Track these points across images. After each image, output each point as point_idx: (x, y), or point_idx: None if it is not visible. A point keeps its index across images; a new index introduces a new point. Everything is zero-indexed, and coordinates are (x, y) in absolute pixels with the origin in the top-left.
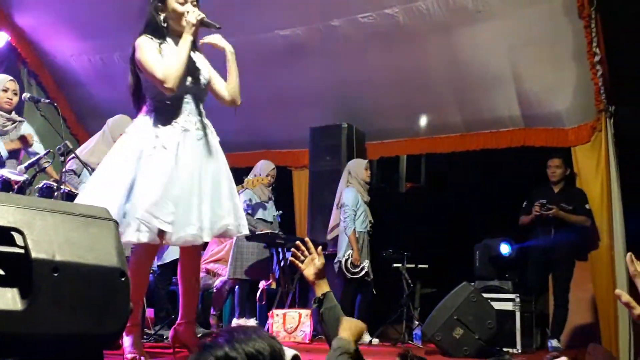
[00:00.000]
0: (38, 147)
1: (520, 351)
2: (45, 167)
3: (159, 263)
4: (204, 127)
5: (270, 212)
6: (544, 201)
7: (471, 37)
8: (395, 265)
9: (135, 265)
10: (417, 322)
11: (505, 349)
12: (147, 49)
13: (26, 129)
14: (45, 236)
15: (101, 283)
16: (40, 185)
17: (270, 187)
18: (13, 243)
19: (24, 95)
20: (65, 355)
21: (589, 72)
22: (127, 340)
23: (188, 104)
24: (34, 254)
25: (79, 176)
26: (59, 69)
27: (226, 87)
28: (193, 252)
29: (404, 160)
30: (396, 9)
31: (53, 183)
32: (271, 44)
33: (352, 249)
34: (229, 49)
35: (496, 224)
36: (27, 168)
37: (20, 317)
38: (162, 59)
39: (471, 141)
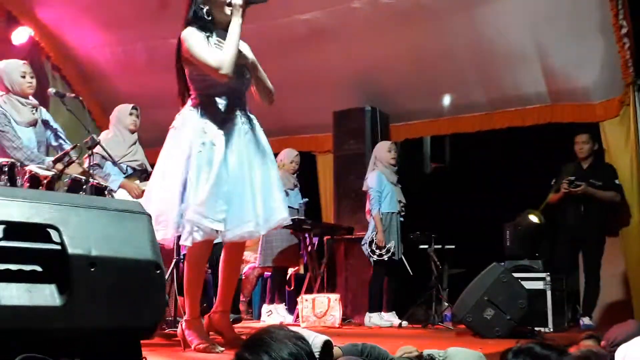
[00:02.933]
0: (62, 135)
1: (552, 330)
2: (73, 161)
3: (185, 252)
4: (249, 120)
5: (295, 200)
6: (573, 178)
7: (494, 14)
8: (422, 247)
9: (193, 261)
10: (446, 304)
11: (537, 329)
12: (196, 39)
13: (44, 113)
14: (81, 232)
15: (137, 276)
16: (67, 179)
17: (295, 175)
18: (49, 240)
19: (49, 90)
20: (103, 349)
21: (615, 45)
22: (191, 334)
23: (232, 98)
24: (70, 250)
25: (102, 168)
26: (82, 62)
27: (259, 92)
28: (238, 244)
29: (428, 141)
30: None
31: (81, 176)
32: (291, 29)
33: (377, 231)
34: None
35: (524, 203)
36: (54, 162)
37: (59, 312)
38: (213, 49)
39: (496, 120)
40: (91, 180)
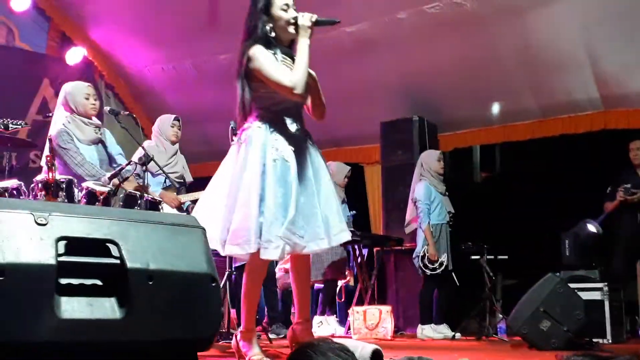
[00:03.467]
0: (120, 158)
1: (610, 341)
2: (128, 177)
3: (236, 265)
4: (307, 135)
5: (344, 213)
6: (628, 185)
7: (543, 19)
8: (473, 257)
9: (254, 274)
10: (500, 315)
11: (594, 340)
12: (266, 58)
13: (107, 135)
14: (139, 246)
15: (193, 289)
16: (122, 195)
17: (343, 189)
18: (109, 254)
19: (104, 108)
20: None
21: None
22: (246, 345)
23: (296, 114)
24: (129, 264)
25: (142, 178)
26: (134, 80)
27: (314, 108)
28: (305, 256)
29: (477, 150)
30: None
31: (135, 192)
32: (338, 41)
33: (428, 244)
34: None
35: (578, 212)
36: (110, 178)
37: (119, 326)
38: (283, 68)
39: (548, 127)
40: (145, 195)
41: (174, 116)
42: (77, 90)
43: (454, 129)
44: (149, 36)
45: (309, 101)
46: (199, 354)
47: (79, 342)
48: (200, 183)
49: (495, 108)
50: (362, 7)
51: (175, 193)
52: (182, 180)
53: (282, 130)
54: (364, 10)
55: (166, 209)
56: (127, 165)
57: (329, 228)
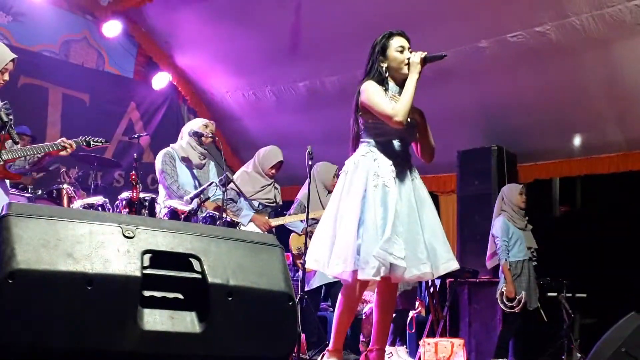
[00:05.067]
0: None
1: None
2: (209, 198)
3: (307, 289)
4: (412, 169)
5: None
6: None
7: (631, 51)
8: (550, 294)
9: (350, 297)
10: (578, 355)
11: None
12: (374, 90)
13: (211, 167)
14: (220, 262)
15: (271, 307)
16: (203, 215)
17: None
18: (191, 269)
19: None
20: None
21: None
22: None
23: (401, 146)
24: (210, 279)
25: (236, 203)
26: (215, 105)
27: (422, 149)
28: (391, 286)
29: (557, 182)
30: (548, 26)
31: (215, 212)
32: None
33: (507, 282)
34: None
35: None
36: (192, 198)
37: (198, 340)
38: (389, 99)
39: (633, 160)
40: (224, 216)
41: (279, 160)
42: (198, 121)
43: (534, 160)
44: (231, 63)
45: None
46: None
47: (159, 354)
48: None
49: (578, 139)
50: (442, 36)
51: (266, 216)
52: (274, 205)
53: (386, 159)
54: (445, 39)
55: (258, 232)
56: (208, 186)
57: (435, 256)
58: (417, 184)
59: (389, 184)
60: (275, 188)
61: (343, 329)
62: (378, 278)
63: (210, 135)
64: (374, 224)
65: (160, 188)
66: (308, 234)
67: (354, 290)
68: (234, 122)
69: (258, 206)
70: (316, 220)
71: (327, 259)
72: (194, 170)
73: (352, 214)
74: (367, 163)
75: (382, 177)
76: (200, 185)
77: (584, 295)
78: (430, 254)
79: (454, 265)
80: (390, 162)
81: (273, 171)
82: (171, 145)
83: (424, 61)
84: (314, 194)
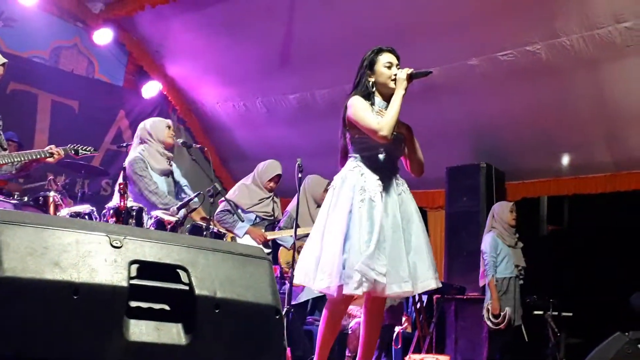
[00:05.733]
0: (186, 190)
1: None
2: (195, 208)
3: (293, 302)
4: (400, 184)
5: None
6: None
7: (619, 72)
8: (536, 312)
9: (335, 313)
10: None
11: None
12: (360, 105)
13: (174, 167)
14: (208, 274)
15: (258, 320)
16: (188, 226)
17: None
18: (178, 280)
19: (177, 140)
20: None
21: None
22: None
23: (388, 161)
24: (197, 291)
25: (232, 214)
26: (205, 115)
27: (411, 163)
28: (379, 301)
29: (545, 201)
30: (538, 46)
31: (201, 223)
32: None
33: (492, 298)
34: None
35: None
36: (178, 209)
37: (184, 352)
38: (374, 114)
39: (621, 181)
40: (211, 226)
41: (277, 173)
42: (157, 119)
43: (522, 178)
44: (222, 74)
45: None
46: None
47: None
48: None
49: (566, 159)
50: (433, 52)
51: (262, 229)
52: (271, 218)
53: (373, 174)
54: (436, 56)
55: (253, 244)
56: (195, 196)
57: (416, 274)
58: (404, 199)
59: (376, 199)
60: (274, 202)
61: (327, 343)
62: (360, 292)
63: (172, 136)
64: (360, 238)
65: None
66: (297, 249)
67: (339, 304)
68: (223, 132)
69: (255, 219)
70: (307, 236)
71: (313, 273)
72: (163, 178)
73: (339, 228)
74: (354, 178)
75: (369, 191)
76: (170, 191)
77: (570, 314)
78: (412, 271)
79: (433, 284)
80: (377, 177)
81: (271, 184)
82: (139, 152)
83: (410, 77)
84: (304, 207)
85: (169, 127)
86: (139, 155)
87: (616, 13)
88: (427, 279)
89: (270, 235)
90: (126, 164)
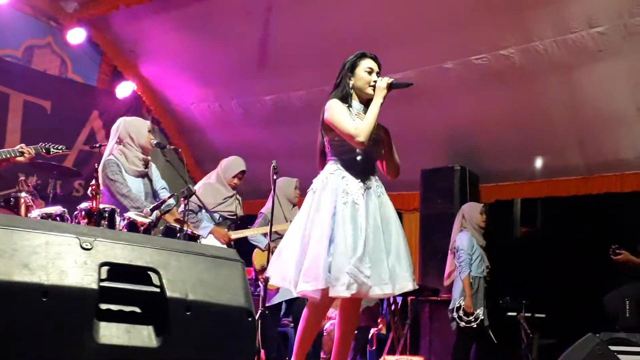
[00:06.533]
0: (163, 192)
1: None
2: (169, 210)
3: (267, 304)
4: (379, 185)
5: None
6: (616, 246)
7: (592, 77)
8: (510, 314)
9: (319, 312)
10: None
11: None
12: (338, 109)
13: (154, 169)
14: (179, 276)
15: (230, 323)
16: (162, 227)
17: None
18: (149, 282)
19: (151, 141)
20: None
21: None
22: None
23: (367, 163)
24: (169, 293)
25: (196, 214)
26: (180, 116)
27: (387, 166)
28: (355, 302)
29: (518, 203)
30: (512, 50)
31: (175, 224)
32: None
33: (465, 295)
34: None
35: (621, 273)
36: (152, 210)
37: (155, 354)
38: (352, 118)
39: (594, 184)
40: (185, 228)
41: (242, 169)
42: (139, 122)
43: (496, 181)
44: (198, 74)
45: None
46: None
47: None
48: (242, 220)
49: (539, 162)
50: (408, 55)
51: (226, 229)
52: (234, 217)
53: (354, 177)
54: (410, 58)
55: (217, 244)
56: (169, 198)
57: (394, 276)
58: (383, 201)
59: (359, 202)
60: (237, 200)
61: (306, 345)
62: (348, 295)
63: (153, 141)
64: (344, 241)
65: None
66: (271, 250)
67: (321, 307)
68: (198, 133)
69: (218, 219)
70: (280, 235)
71: (294, 277)
72: (139, 179)
73: (323, 231)
74: (336, 181)
75: (351, 194)
76: (147, 192)
77: (543, 315)
78: (392, 274)
79: (409, 286)
80: (359, 180)
81: (235, 181)
82: (113, 154)
83: (390, 87)
84: (278, 209)
85: (149, 131)
86: (113, 158)
87: (589, 18)
88: (404, 281)
89: (234, 235)
90: (101, 164)
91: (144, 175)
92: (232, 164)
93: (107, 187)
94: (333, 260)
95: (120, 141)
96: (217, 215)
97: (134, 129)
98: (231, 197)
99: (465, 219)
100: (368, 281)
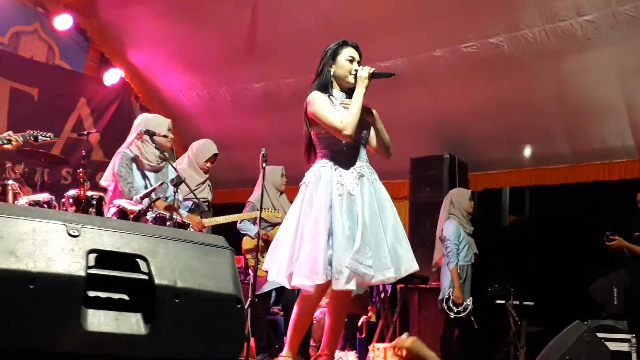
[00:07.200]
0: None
1: None
2: (159, 198)
3: (257, 292)
4: (372, 172)
5: None
6: (610, 232)
7: (580, 65)
8: (498, 301)
9: (311, 302)
10: None
11: None
12: (321, 102)
13: (170, 170)
14: (168, 263)
15: (218, 310)
16: (153, 215)
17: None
18: (138, 269)
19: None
20: None
21: None
22: None
23: (358, 151)
24: (157, 280)
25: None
26: (168, 103)
27: (378, 146)
28: (348, 292)
29: (507, 192)
30: (501, 38)
31: (165, 213)
32: None
33: (454, 286)
34: (374, 112)
35: (607, 260)
36: (142, 198)
37: (143, 342)
38: (336, 110)
39: (581, 173)
40: (175, 216)
41: (214, 152)
42: (160, 119)
43: (485, 169)
44: (186, 62)
45: (373, 141)
46: None
47: (103, 355)
48: (229, 208)
49: (528, 150)
50: (397, 43)
51: (199, 217)
52: (207, 203)
53: (346, 167)
54: (400, 46)
55: None
56: (159, 186)
57: (398, 259)
58: (377, 186)
59: (354, 192)
60: (209, 186)
61: (299, 333)
62: (351, 287)
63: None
64: (343, 233)
65: (111, 189)
66: (260, 237)
67: (314, 299)
68: (186, 121)
69: (191, 205)
70: (269, 223)
71: (285, 269)
72: (152, 174)
73: (320, 225)
74: (329, 173)
75: (346, 185)
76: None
77: (531, 303)
78: (393, 257)
79: (415, 266)
80: (351, 169)
81: (208, 164)
82: (128, 147)
83: (372, 76)
84: (265, 197)
85: (169, 129)
86: (127, 151)
87: (578, 6)
88: (408, 262)
89: (207, 222)
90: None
91: (158, 170)
92: (204, 147)
93: (114, 176)
94: (334, 253)
95: (139, 136)
96: (189, 203)
97: (154, 125)
98: (203, 183)
99: (454, 204)
100: (370, 271)
